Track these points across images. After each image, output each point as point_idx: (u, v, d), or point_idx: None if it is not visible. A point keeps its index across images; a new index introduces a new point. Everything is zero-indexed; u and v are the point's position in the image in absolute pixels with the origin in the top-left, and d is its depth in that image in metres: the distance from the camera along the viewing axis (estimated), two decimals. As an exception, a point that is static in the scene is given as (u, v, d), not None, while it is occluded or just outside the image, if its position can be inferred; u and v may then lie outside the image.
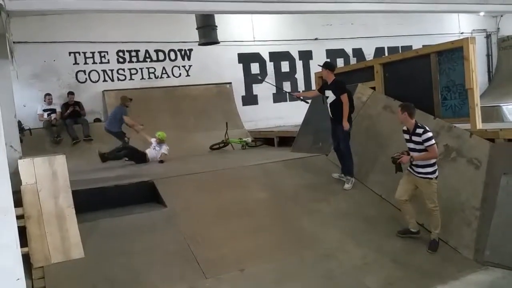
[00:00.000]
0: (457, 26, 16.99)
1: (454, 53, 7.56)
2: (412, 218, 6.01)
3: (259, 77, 12.86)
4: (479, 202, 6.07)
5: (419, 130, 5.74)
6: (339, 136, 7.23)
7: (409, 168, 5.93)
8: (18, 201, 4.80)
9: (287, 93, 6.98)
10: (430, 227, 6.00)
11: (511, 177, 5.98)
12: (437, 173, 5.81)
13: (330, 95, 7.18)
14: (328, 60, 11.25)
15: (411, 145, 5.85)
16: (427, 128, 5.78)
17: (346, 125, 7.01)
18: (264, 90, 14.16)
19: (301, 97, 8.27)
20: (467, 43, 7.22)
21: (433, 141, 5.70)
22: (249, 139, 11.72)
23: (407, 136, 5.91)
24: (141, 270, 5.02)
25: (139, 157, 9.60)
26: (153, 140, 9.90)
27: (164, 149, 9.76)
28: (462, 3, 9.42)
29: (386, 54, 14.97)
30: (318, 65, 7.58)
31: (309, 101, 8.68)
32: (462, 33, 16.64)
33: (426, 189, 5.80)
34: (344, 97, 7.01)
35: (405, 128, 5.94)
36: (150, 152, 9.79)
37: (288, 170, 7.74)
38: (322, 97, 7.45)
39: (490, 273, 5.38)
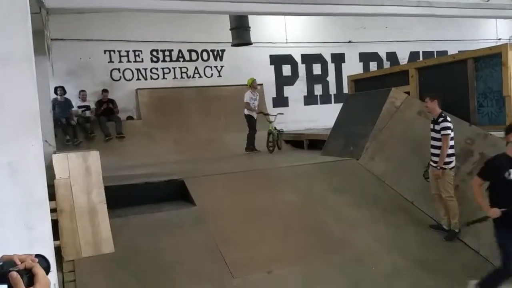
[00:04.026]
0: (494, 32, 16.47)
1: (492, 59, 7.37)
2: (446, 215, 6.12)
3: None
4: (516, 213, 5.85)
5: (440, 119, 6.02)
6: None
7: (430, 162, 6.15)
8: (51, 195, 4.90)
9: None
10: (449, 217, 6.06)
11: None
12: (453, 164, 6.01)
13: None
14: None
15: (433, 134, 6.10)
16: (448, 119, 6.02)
17: None
18: (295, 92, 14.09)
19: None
20: (506, 49, 7.04)
21: (449, 132, 5.92)
22: (282, 130, 10.78)
23: (431, 126, 6.16)
24: (169, 267, 5.06)
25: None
26: (248, 96, 10.31)
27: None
28: (501, 9, 9.15)
29: (421, 59, 14.65)
30: None
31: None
32: (499, 39, 16.08)
33: (441, 179, 5.98)
34: None
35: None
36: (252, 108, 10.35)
37: (318, 174, 7.65)
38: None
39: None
